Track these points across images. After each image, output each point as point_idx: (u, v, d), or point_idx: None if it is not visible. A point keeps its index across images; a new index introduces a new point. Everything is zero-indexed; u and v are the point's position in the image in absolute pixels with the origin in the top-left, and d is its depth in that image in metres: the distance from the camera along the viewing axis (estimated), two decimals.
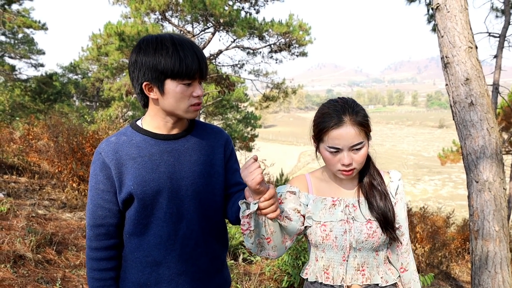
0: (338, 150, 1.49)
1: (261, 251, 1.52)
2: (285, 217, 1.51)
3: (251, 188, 1.28)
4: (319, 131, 1.52)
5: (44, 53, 23.86)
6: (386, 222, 1.55)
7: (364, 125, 1.50)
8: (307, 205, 1.62)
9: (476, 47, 3.61)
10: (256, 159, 1.30)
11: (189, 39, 1.42)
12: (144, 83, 1.38)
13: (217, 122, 22.77)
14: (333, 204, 1.60)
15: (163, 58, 1.34)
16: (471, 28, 3.60)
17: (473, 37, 3.61)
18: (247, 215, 1.35)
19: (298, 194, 1.62)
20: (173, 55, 1.34)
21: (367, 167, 1.63)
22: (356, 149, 1.49)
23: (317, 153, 1.61)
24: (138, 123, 1.51)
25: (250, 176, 1.26)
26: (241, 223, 1.39)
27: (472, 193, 3.63)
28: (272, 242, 1.47)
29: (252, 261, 4.44)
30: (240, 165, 1.59)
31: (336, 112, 1.49)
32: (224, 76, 13.79)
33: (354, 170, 1.53)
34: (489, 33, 6.83)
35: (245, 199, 1.35)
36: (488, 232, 3.50)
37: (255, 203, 1.30)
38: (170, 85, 1.37)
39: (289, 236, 1.56)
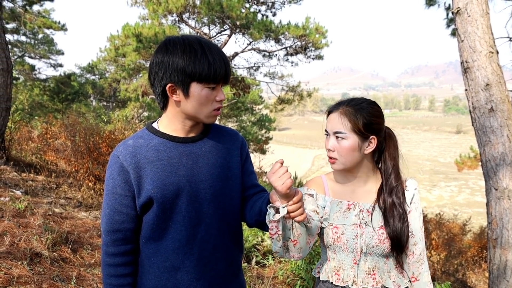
0: (328, 135, 1.60)
1: (286, 253, 1.52)
2: (307, 218, 1.52)
3: (281, 192, 1.26)
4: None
5: (63, 54, 24.29)
6: (398, 243, 1.56)
7: (352, 120, 1.54)
8: (324, 207, 1.63)
9: (497, 52, 3.54)
10: (282, 163, 1.29)
11: (214, 43, 1.41)
12: (169, 85, 1.36)
13: (231, 124, 22.84)
14: (348, 208, 1.61)
15: (192, 61, 1.32)
16: (492, 33, 3.54)
17: (494, 42, 3.55)
18: (276, 220, 1.34)
19: (315, 196, 1.64)
20: (202, 59, 1.32)
21: (395, 183, 1.61)
22: (339, 138, 1.55)
23: None
24: (155, 125, 1.49)
25: (280, 180, 1.25)
26: (269, 227, 1.38)
27: (491, 200, 3.57)
28: (298, 244, 1.48)
29: (265, 264, 4.42)
30: (254, 167, 1.59)
31: (339, 102, 1.62)
32: (240, 79, 13.83)
33: (336, 161, 1.58)
34: (510, 38, 6.70)
35: (271, 203, 1.33)
36: (507, 241, 3.43)
37: (284, 207, 1.30)
38: (196, 88, 1.35)
39: (312, 236, 1.57)
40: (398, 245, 1.55)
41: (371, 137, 1.56)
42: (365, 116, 1.54)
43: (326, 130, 1.60)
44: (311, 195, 1.63)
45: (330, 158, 1.59)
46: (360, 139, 1.55)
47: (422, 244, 1.63)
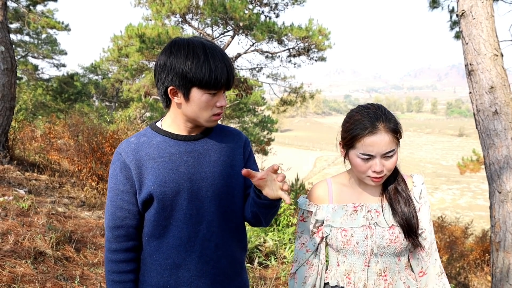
0: (370, 157, 1.48)
1: None
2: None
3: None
4: (352, 138, 1.50)
5: (66, 54, 24.34)
6: (410, 228, 1.54)
7: (396, 132, 1.49)
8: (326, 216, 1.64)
9: (502, 55, 3.54)
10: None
11: (220, 47, 1.41)
12: (170, 88, 1.38)
13: (233, 125, 22.85)
14: (355, 210, 1.60)
15: (194, 67, 1.33)
16: (496, 36, 3.54)
17: (498, 44, 3.55)
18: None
19: (315, 211, 1.65)
20: (204, 65, 1.33)
21: (395, 174, 1.61)
22: (388, 156, 1.48)
23: (345, 159, 1.60)
24: (158, 124, 1.51)
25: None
26: None
27: (494, 203, 3.56)
28: None
29: (268, 265, 4.43)
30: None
31: (370, 119, 1.47)
32: (242, 80, 13.83)
33: (384, 177, 1.52)
34: None
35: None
36: (510, 244, 3.43)
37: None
38: (196, 94, 1.37)
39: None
40: (410, 230, 1.54)
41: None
42: (397, 122, 1.51)
43: (365, 154, 1.47)
44: (311, 212, 1.66)
45: (376, 178, 1.51)
46: (398, 145, 1.53)
47: (431, 237, 1.61)
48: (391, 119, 1.49)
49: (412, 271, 1.65)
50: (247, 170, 1.26)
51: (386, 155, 1.47)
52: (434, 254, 1.63)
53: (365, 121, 1.47)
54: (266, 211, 1.43)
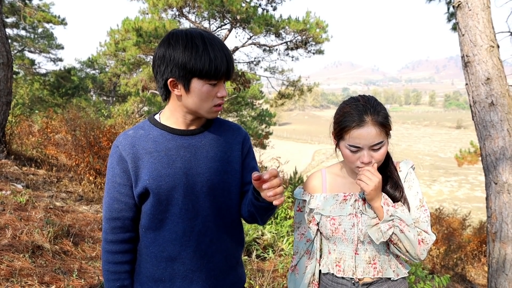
0: (358, 149, 1.50)
1: None
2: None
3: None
4: (340, 130, 1.53)
5: (63, 48, 24.22)
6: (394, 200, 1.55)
7: (384, 125, 1.51)
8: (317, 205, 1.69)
9: (498, 46, 3.54)
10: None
11: (218, 38, 1.40)
12: (170, 79, 1.37)
13: (231, 119, 22.82)
14: (344, 199, 1.63)
15: (193, 57, 1.32)
16: (493, 27, 3.54)
17: (495, 36, 3.54)
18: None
19: (309, 200, 1.69)
20: (203, 55, 1.32)
21: (386, 164, 1.63)
22: (376, 149, 1.50)
23: (337, 149, 1.63)
24: (156, 117, 1.51)
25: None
26: None
27: (491, 194, 3.58)
28: None
29: (265, 257, 4.45)
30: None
31: (358, 112, 1.50)
32: (240, 73, 13.78)
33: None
34: (511, 33, 6.67)
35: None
36: (506, 235, 3.45)
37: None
38: (197, 84, 1.36)
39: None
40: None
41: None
42: (386, 115, 1.52)
43: (353, 146, 1.49)
44: (305, 201, 1.70)
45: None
46: (388, 137, 1.55)
47: (422, 226, 1.55)
48: (379, 112, 1.51)
49: (403, 261, 1.68)
50: (259, 176, 1.24)
51: (373, 147, 1.50)
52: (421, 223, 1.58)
53: (353, 114, 1.50)
54: (263, 213, 1.44)
